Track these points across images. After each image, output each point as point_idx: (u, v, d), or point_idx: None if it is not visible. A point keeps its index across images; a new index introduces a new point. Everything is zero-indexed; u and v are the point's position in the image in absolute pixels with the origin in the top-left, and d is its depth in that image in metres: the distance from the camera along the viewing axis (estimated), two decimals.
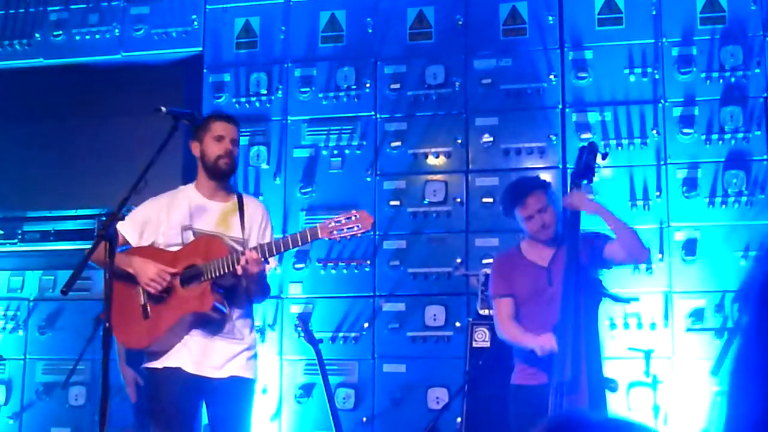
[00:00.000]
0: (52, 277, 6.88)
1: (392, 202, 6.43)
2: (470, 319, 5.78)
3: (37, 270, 6.97)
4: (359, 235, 4.47)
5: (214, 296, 4.48)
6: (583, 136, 6.16)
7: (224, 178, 4.77)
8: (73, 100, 7.41)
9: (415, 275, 6.33)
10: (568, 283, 4.75)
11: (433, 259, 6.32)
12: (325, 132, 6.62)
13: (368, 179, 6.52)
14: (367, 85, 6.62)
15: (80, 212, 6.78)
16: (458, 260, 6.27)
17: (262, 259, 4.44)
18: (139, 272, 4.51)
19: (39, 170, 7.38)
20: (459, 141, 6.41)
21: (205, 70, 6.92)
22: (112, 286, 3.92)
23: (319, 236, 4.43)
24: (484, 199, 6.28)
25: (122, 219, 4.31)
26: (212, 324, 4.55)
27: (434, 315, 6.21)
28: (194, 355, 4.53)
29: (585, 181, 5.00)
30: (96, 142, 7.33)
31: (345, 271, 6.44)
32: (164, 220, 4.68)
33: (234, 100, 6.80)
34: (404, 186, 6.47)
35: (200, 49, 6.97)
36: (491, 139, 6.31)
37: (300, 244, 4.46)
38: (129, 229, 4.68)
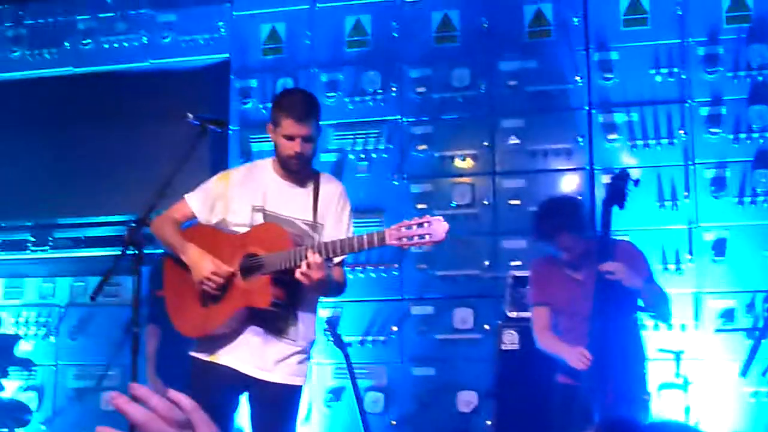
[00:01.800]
0: (83, 284, 6.96)
1: (419, 205, 6.45)
2: (499, 322, 5.79)
3: (68, 276, 7.13)
4: (430, 245, 4.12)
5: (274, 292, 4.20)
6: (610, 136, 6.24)
7: (295, 174, 4.47)
8: (102, 108, 7.55)
9: (443, 278, 6.38)
10: (598, 293, 4.78)
11: (461, 262, 6.35)
12: (352, 136, 6.70)
13: (395, 183, 6.59)
14: (393, 88, 6.70)
15: (110, 219, 7.08)
16: (486, 263, 6.31)
17: (325, 261, 4.13)
18: (194, 267, 4.29)
19: (69, 177, 7.47)
20: (485, 143, 6.47)
21: (231, 76, 7.05)
22: (140, 287, 3.88)
23: (387, 242, 4.04)
24: (511, 201, 6.32)
25: (148, 225, 4.16)
26: (269, 320, 4.31)
27: (463, 318, 6.25)
28: (245, 353, 4.32)
29: (616, 207, 4.97)
30: (125, 149, 7.37)
31: (373, 274, 6.51)
32: (236, 196, 4.44)
33: (261, 105, 6.90)
34: (431, 189, 6.52)
35: (227, 55, 7.13)
36: (517, 141, 6.38)
37: (366, 247, 4.11)
38: (199, 203, 4.47)
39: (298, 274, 4.09)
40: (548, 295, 5.09)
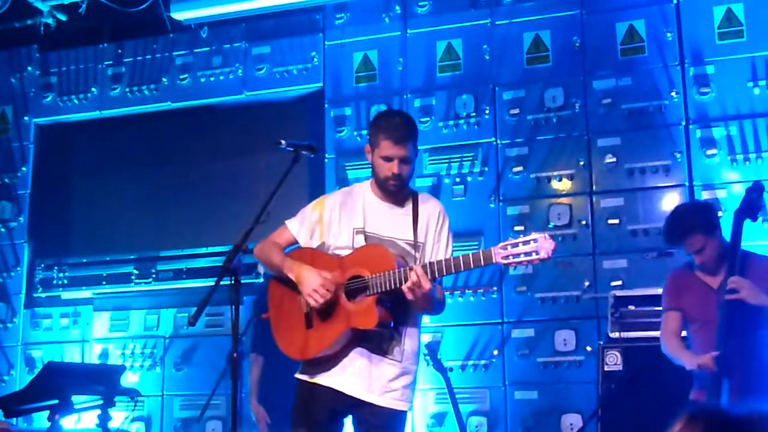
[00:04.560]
0: (186, 315, 7.14)
1: (516, 227, 6.53)
2: (601, 343, 5.80)
3: (171, 308, 7.44)
4: (536, 262, 4.12)
5: (380, 312, 4.27)
6: (709, 152, 6.26)
7: (393, 195, 4.54)
8: (200, 141, 7.92)
9: (543, 300, 6.46)
10: (723, 308, 4.79)
11: (561, 283, 6.43)
12: (447, 160, 6.82)
13: (491, 205, 6.69)
14: (487, 111, 6.80)
15: (211, 249, 7.33)
16: (586, 283, 6.36)
17: (431, 279, 4.22)
18: (302, 281, 4.38)
19: (170, 211, 7.90)
20: (582, 163, 6.54)
21: (326, 105, 7.27)
22: (238, 313, 3.97)
23: (494, 260, 4.10)
24: (610, 221, 6.38)
25: (245, 251, 4.16)
26: (375, 341, 4.38)
27: (564, 340, 6.32)
28: (351, 375, 4.37)
29: (748, 219, 4.95)
30: (224, 181, 7.73)
31: (472, 298, 6.61)
32: (336, 218, 4.52)
33: (355, 133, 7.12)
34: (528, 210, 6.60)
35: (321, 84, 7.36)
36: (614, 159, 6.43)
37: (472, 266, 4.16)
38: (300, 227, 4.58)
39: (405, 289, 4.16)
40: (680, 301, 5.10)
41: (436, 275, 4.20)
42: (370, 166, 4.54)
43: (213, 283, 4.00)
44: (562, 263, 6.42)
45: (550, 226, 6.46)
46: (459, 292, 6.56)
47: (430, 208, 4.56)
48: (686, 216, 5.09)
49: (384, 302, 4.30)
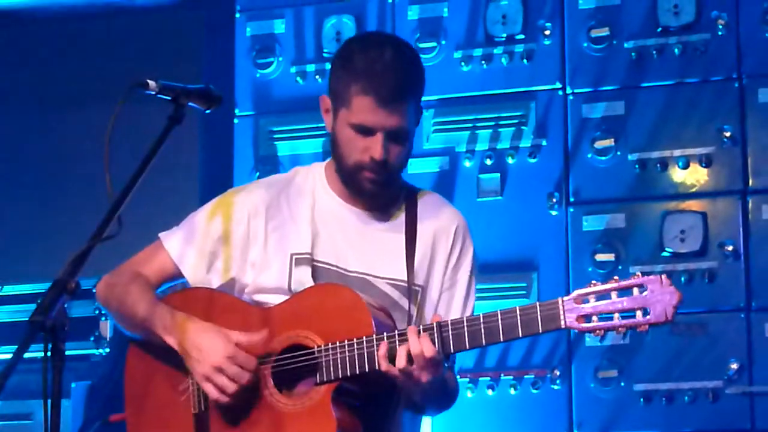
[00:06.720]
0: None
1: (600, 256, 6.17)
2: None
3: None
4: (646, 329, 3.70)
5: (340, 417, 3.96)
6: None
7: (371, 197, 4.24)
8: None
9: (648, 396, 6.11)
10: None
11: (688, 366, 6.10)
12: (469, 125, 6.48)
13: (553, 212, 6.35)
14: (547, 32, 6.39)
15: (7, 290, 7.15)
16: (733, 365, 6.01)
17: (440, 355, 3.84)
18: (194, 350, 4.03)
19: None
20: (728, 134, 6.13)
21: (237, 15, 6.87)
22: (58, 412, 3.44)
23: (562, 325, 3.75)
24: None
25: (74, 294, 3.55)
26: None
27: None
28: None
29: None
30: (44, 155, 7.63)
31: (513, 390, 6.28)
32: (259, 235, 4.27)
33: (294, 69, 6.67)
34: (623, 223, 6.29)
35: None
36: None
37: (520, 334, 3.79)
38: (186, 248, 4.28)
39: (389, 367, 3.86)
40: None
41: (452, 348, 3.90)
42: (326, 135, 4.57)
43: (10, 355, 3.39)
44: (687, 326, 6.11)
45: (665, 253, 6.10)
46: (489, 378, 6.26)
47: (440, 220, 4.35)
48: None
49: (349, 396, 4.00)
